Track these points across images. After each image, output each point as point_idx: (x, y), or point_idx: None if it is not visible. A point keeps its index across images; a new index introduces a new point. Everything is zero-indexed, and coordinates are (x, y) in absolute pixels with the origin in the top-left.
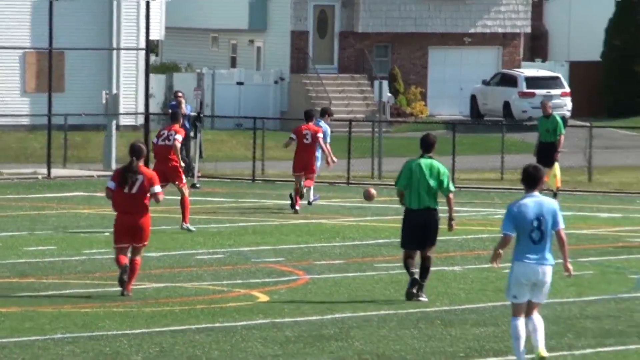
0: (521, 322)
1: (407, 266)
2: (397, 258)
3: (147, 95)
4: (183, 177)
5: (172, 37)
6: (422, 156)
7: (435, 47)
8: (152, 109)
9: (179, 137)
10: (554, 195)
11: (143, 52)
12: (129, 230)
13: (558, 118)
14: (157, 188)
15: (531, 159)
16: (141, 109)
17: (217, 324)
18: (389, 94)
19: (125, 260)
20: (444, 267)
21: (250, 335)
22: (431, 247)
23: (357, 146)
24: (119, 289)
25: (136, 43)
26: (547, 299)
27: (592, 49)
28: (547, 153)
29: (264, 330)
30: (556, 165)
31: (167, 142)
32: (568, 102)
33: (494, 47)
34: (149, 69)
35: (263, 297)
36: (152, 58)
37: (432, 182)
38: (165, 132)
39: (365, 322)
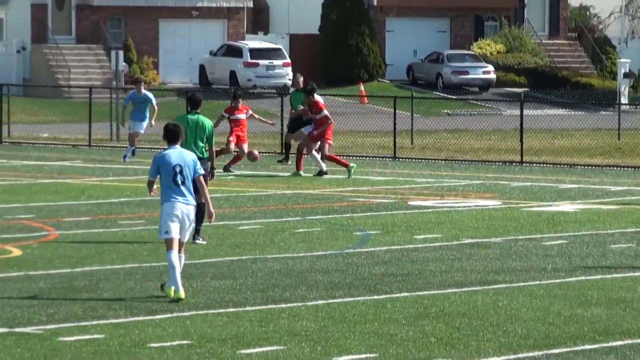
0: (175, 254)
1: None
2: (139, 215)
3: None
4: None
5: None
6: (189, 112)
7: (165, 20)
8: None
9: None
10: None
11: None
12: None
13: None
14: None
15: (262, 125)
16: None
17: None
18: (124, 63)
19: None
20: None
21: (5, 287)
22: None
23: (96, 111)
24: None
25: None
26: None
27: (310, 22)
28: (300, 123)
29: (18, 282)
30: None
31: None
32: (289, 72)
33: (219, 20)
34: None
35: (16, 251)
36: None
37: (199, 135)
38: None
39: (113, 275)
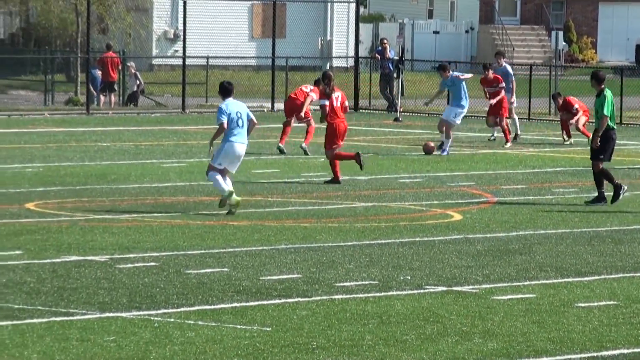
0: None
1: (602, 178)
2: (572, 184)
3: (357, 42)
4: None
5: None
6: (606, 88)
7: (605, 3)
8: (360, 54)
9: (314, 95)
10: None
11: (354, 4)
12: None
13: None
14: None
15: None
16: (351, 53)
17: (418, 239)
18: (564, 43)
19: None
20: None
21: (446, 249)
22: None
23: (536, 87)
24: (334, 207)
25: None
26: None
27: None
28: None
29: (458, 245)
30: None
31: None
32: None
33: None
34: (358, 19)
35: (457, 216)
36: (361, 9)
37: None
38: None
39: (545, 239)
